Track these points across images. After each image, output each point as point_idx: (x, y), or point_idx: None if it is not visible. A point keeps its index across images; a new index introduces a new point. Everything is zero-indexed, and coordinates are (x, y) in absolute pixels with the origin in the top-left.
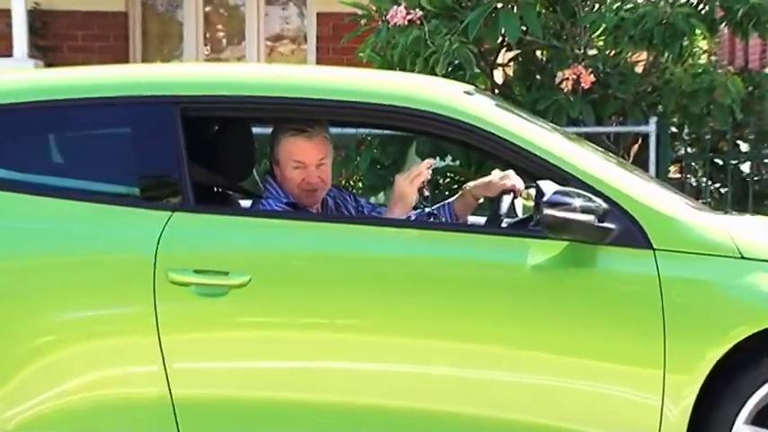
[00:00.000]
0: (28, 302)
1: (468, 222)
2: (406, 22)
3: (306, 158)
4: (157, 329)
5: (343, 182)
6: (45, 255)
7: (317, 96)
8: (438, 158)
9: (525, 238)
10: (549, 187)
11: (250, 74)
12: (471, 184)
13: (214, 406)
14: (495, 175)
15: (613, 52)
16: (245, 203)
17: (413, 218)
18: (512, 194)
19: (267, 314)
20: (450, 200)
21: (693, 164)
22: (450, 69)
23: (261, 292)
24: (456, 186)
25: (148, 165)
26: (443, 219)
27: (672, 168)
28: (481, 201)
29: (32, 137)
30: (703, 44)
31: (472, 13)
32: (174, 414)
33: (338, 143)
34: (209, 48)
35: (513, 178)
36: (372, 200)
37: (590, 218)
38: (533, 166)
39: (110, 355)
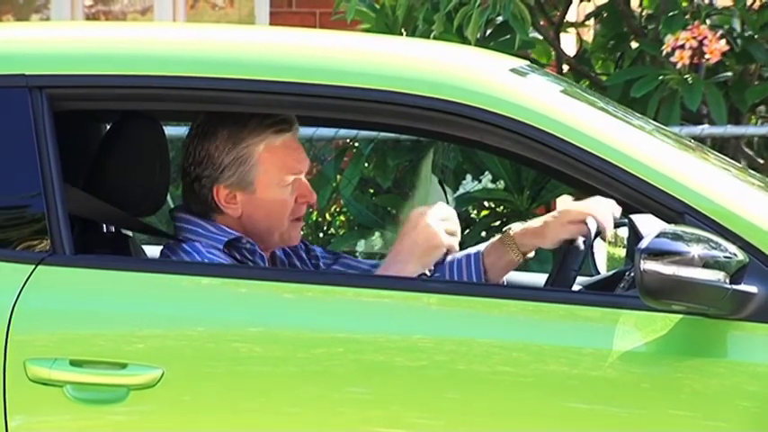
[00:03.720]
0: None
1: (514, 283)
2: None
3: (304, 165)
4: None
5: (314, 215)
6: None
7: (274, 78)
8: (469, 178)
9: (611, 310)
10: (649, 226)
11: (163, 40)
12: (517, 226)
13: None
14: (558, 212)
15: (759, 3)
16: (154, 251)
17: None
18: (582, 244)
19: (188, 429)
20: (480, 246)
21: None
22: (488, 32)
23: (179, 396)
24: (499, 223)
25: None
26: (463, 277)
27: None
28: (532, 255)
29: None
30: None
31: None
32: None
33: (306, 152)
34: None
35: (586, 216)
36: (361, 245)
37: (717, 276)
38: (624, 191)
39: None
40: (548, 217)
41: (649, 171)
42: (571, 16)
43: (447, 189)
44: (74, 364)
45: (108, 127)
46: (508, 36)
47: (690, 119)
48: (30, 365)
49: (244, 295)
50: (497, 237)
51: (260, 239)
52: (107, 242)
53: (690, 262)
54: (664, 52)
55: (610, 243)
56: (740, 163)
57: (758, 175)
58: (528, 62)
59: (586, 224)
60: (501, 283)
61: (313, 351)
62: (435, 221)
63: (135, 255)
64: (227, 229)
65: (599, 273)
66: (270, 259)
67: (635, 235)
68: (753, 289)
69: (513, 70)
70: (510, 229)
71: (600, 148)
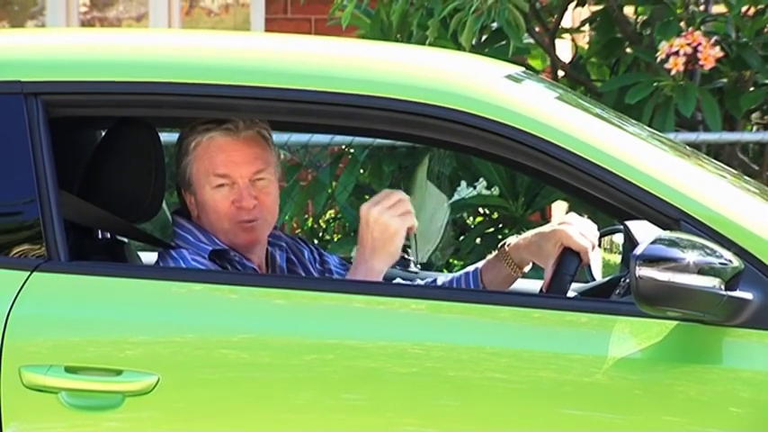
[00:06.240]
0: None
1: (509, 289)
2: None
3: (232, 169)
4: None
5: (310, 221)
6: None
7: (269, 84)
8: (464, 185)
9: (606, 316)
10: (644, 232)
11: (159, 46)
12: (513, 240)
13: None
14: (552, 225)
15: (753, 10)
16: (149, 258)
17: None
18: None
19: None
20: (479, 264)
21: None
22: (484, 39)
23: (174, 402)
24: (493, 230)
25: None
26: None
27: None
28: (528, 268)
29: None
30: None
31: None
32: None
33: (301, 158)
34: (87, 1)
35: (576, 232)
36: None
37: (712, 282)
38: (620, 198)
39: None
40: (542, 235)
41: (645, 177)
42: (566, 22)
43: (443, 194)
44: (69, 370)
45: (103, 133)
46: (503, 42)
47: (684, 125)
48: (25, 372)
49: (237, 302)
50: (494, 253)
51: (225, 243)
52: (102, 249)
53: (685, 268)
54: (658, 59)
55: (605, 249)
56: (735, 169)
57: (753, 181)
58: (523, 68)
59: (573, 239)
60: (495, 290)
61: (305, 357)
62: (382, 212)
63: (130, 261)
64: (215, 239)
65: (594, 279)
66: (269, 266)
67: (630, 241)
68: (748, 295)
69: (508, 77)
70: (506, 244)
71: (595, 155)
